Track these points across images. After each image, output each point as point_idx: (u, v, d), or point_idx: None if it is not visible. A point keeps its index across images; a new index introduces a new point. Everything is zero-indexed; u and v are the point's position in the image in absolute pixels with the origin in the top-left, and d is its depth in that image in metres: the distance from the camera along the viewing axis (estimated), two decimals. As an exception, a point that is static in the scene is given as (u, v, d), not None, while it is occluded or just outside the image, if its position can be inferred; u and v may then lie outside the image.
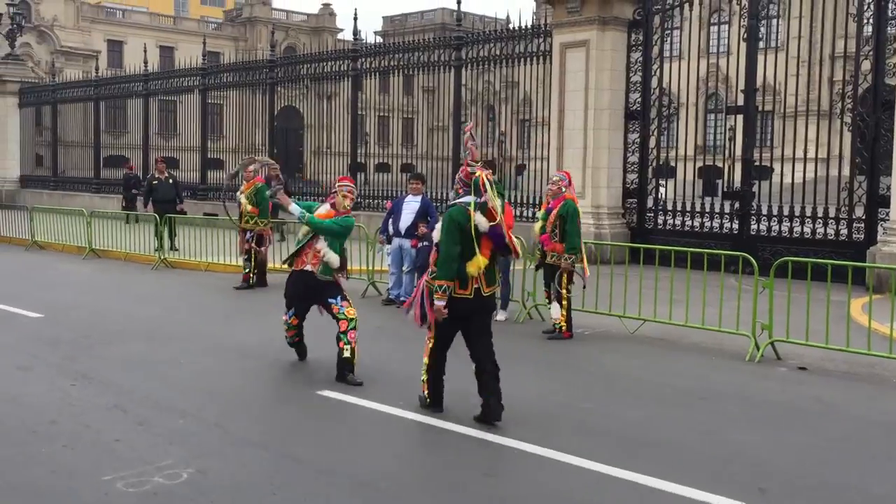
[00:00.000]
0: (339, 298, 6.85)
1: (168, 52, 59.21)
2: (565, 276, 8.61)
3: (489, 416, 5.65)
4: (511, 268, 9.67)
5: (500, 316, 9.69)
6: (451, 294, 5.58)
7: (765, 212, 13.70)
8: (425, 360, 5.91)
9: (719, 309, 8.25)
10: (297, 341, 7.37)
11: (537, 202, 15.96)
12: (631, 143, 15.22)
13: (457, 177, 5.79)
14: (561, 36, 15.41)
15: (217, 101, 25.35)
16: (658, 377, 7.28)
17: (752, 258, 8.28)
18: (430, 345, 5.88)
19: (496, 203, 5.55)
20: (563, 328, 8.67)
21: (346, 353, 6.69)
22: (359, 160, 20.62)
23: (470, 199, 5.58)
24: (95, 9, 62.33)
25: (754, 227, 13.77)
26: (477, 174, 5.57)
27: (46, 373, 7.11)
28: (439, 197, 17.04)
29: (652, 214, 15.10)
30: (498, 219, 5.58)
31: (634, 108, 15.10)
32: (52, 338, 8.43)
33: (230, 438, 5.49)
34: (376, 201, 19.54)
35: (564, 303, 8.62)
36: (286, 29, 62.03)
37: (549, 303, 8.86)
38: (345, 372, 6.69)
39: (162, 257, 14.40)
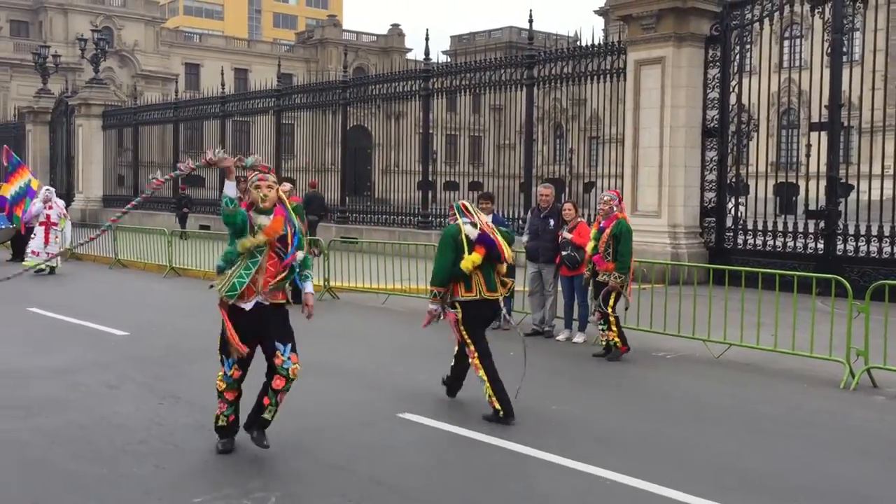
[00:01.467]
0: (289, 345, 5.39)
1: (242, 74, 60.86)
2: (613, 295, 8.47)
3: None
4: (589, 289, 9.50)
5: (579, 338, 9.56)
6: (459, 300, 6.34)
7: (851, 231, 13.18)
8: (481, 374, 6.30)
9: (811, 334, 7.93)
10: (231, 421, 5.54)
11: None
12: (708, 160, 14.89)
13: (450, 211, 6.93)
14: (635, 53, 15.22)
15: (289, 122, 25.82)
16: (749, 404, 7.02)
17: (845, 281, 7.94)
18: (476, 360, 6.34)
19: (482, 219, 6.56)
20: (619, 343, 8.51)
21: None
22: (428, 178, 20.68)
23: (462, 220, 6.57)
24: (174, 33, 64.57)
25: (840, 247, 13.27)
26: (459, 203, 6.72)
27: (135, 391, 7.26)
28: (508, 215, 16.96)
29: (731, 234, 14.72)
30: (484, 227, 6.44)
31: (712, 125, 14.78)
32: (139, 356, 8.63)
33: (315, 461, 5.48)
34: (447, 220, 19.55)
35: (612, 320, 8.48)
36: (356, 50, 63.02)
37: (600, 322, 8.72)
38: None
39: (239, 276, 14.61)
